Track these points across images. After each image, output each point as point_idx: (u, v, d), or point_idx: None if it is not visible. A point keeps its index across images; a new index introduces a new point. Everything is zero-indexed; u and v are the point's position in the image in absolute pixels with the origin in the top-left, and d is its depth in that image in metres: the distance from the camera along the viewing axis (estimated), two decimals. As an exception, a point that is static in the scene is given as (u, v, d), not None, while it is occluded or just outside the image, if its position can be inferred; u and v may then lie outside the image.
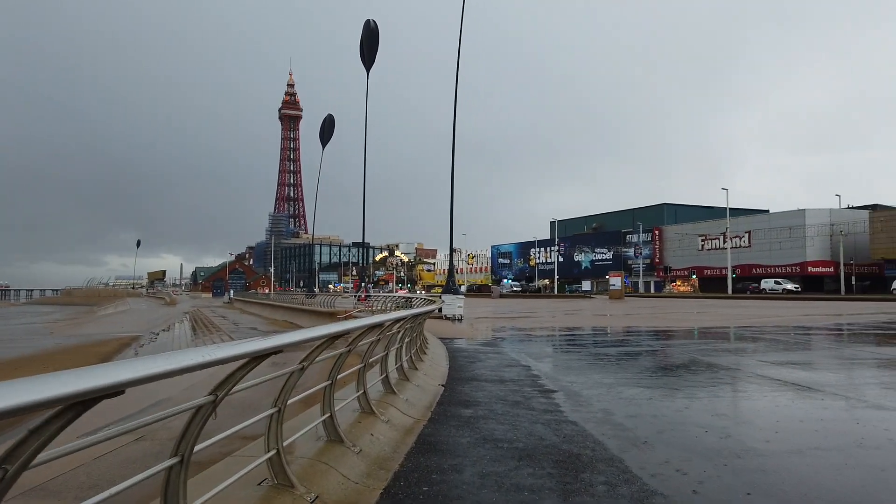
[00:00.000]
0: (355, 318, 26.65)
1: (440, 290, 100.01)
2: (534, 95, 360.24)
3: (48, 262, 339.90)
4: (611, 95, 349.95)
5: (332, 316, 34.06)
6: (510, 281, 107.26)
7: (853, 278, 62.81)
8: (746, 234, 75.50)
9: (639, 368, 10.49)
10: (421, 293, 77.24)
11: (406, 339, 8.16)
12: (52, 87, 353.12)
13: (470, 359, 11.44)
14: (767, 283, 68.29)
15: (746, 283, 70.04)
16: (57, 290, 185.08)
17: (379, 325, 5.45)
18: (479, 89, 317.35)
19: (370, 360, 5.52)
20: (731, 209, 73.15)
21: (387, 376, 6.33)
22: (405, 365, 7.65)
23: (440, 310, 21.14)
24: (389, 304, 24.71)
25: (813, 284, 69.71)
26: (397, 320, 6.37)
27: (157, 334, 42.72)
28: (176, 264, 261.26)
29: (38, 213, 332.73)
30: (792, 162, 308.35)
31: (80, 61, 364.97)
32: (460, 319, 26.29)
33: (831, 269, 68.07)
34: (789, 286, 65.69)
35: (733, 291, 67.37)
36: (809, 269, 69.53)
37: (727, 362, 10.82)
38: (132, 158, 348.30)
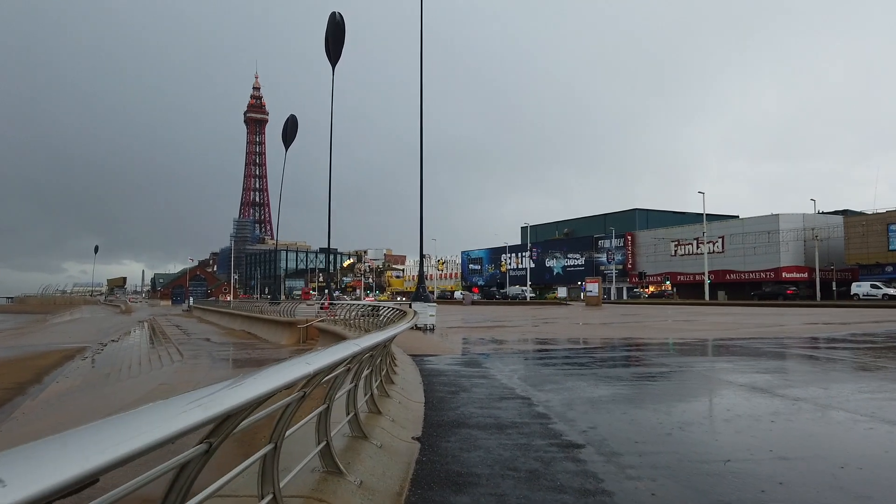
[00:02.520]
0: (316, 326, 24.02)
1: (403, 298, 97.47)
2: (499, 103, 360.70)
3: (4, 269, 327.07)
4: (573, 104, 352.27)
5: (291, 325, 31.38)
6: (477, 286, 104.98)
7: (834, 284, 62.00)
8: (720, 240, 74.54)
9: (674, 396, 8.17)
10: (383, 301, 74.94)
11: (365, 371, 5.67)
12: (9, 86, 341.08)
13: (451, 387, 8.96)
14: (861, 288, 56.79)
15: (767, 287, 68.36)
16: (11, 298, 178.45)
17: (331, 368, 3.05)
18: (445, 95, 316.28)
19: (284, 431, 3.02)
20: (701, 215, 72.09)
21: (328, 444, 3.82)
22: (361, 414, 5.14)
23: (416, 325, 18.66)
24: (354, 313, 22.19)
25: (787, 290, 68.95)
26: (348, 359, 3.88)
27: (105, 345, 39.64)
28: (138, 271, 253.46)
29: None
30: (750, 170, 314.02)
31: (41, 62, 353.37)
32: (432, 329, 23.83)
33: (805, 275, 67.37)
34: (891, 290, 54.38)
35: (730, 297, 65.53)
36: (784, 274, 68.72)
37: (812, 394, 8.51)
38: (94, 162, 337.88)
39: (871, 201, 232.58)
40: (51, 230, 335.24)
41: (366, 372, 5.71)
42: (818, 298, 59.59)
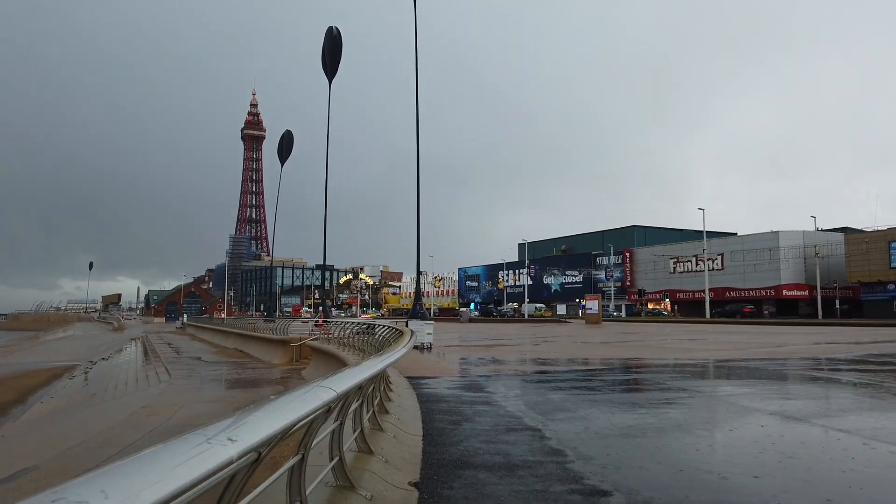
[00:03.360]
0: (309, 345, 23.10)
1: (391, 315, 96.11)
2: (494, 120, 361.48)
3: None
4: (570, 121, 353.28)
5: (284, 343, 30.45)
6: (474, 306, 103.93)
7: (837, 302, 61.24)
8: (719, 257, 73.89)
9: (702, 426, 7.34)
10: (376, 319, 73.81)
11: (354, 405, 4.85)
12: (5, 104, 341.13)
13: (452, 415, 8.11)
14: None
15: (728, 306, 67.81)
16: (4, 315, 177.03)
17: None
18: (441, 112, 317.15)
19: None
20: (700, 232, 71.50)
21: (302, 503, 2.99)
22: (348, 456, 4.30)
23: (420, 346, 17.54)
24: (349, 330, 21.34)
25: (788, 308, 68.22)
26: (344, 396, 3.07)
27: (95, 363, 38.67)
28: (134, 288, 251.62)
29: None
30: (745, 187, 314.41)
31: (37, 79, 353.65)
32: (429, 348, 22.96)
33: (806, 293, 66.68)
34: None
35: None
36: (784, 292, 68.02)
37: (855, 425, 7.67)
38: (90, 178, 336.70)
39: (866, 219, 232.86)
40: (46, 246, 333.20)
41: (354, 405, 4.88)
42: (820, 316, 58.81)
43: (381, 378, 7.45)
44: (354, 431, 5.09)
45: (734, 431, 7.25)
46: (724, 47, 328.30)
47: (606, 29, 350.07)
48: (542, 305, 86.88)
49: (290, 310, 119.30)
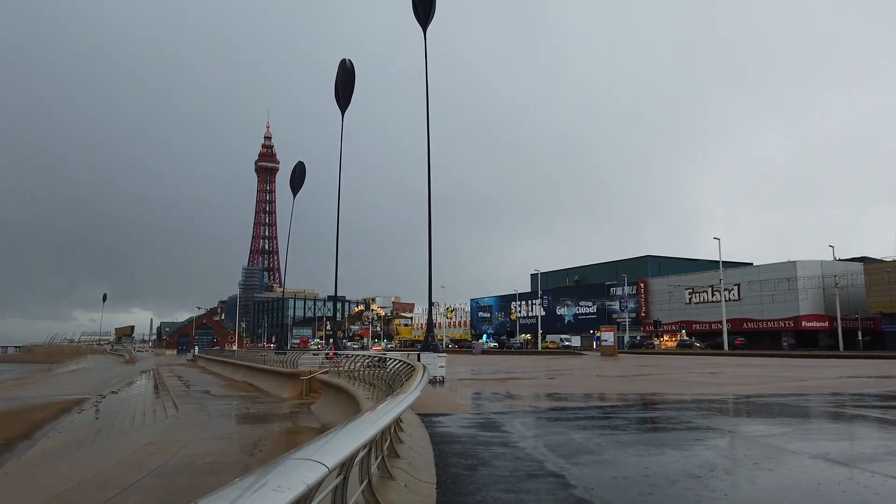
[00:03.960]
0: (319, 379, 22.56)
1: (402, 347, 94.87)
2: (507, 151, 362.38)
3: (16, 318, 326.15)
4: (580, 153, 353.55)
5: (294, 377, 29.92)
6: (487, 337, 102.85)
7: (859, 333, 59.75)
8: (736, 287, 72.76)
9: (740, 470, 6.73)
10: (382, 352, 73.23)
11: (361, 454, 4.34)
12: (24, 138, 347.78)
13: (467, 459, 7.54)
14: None
15: (734, 337, 66.55)
16: (19, 347, 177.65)
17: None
18: (453, 143, 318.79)
19: None
20: (715, 262, 70.56)
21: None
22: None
23: (433, 379, 16.75)
24: (359, 364, 20.81)
25: (807, 340, 66.79)
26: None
27: (104, 397, 38.35)
28: (147, 319, 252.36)
29: (5, 267, 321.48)
30: (758, 218, 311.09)
31: (53, 115, 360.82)
32: (442, 382, 22.35)
33: (826, 324, 65.32)
34: None
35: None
36: (804, 323, 66.65)
37: None
38: (106, 211, 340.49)
39: (883, 248, 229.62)
40: (62, 279, 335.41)
41: (361, 454, 4.38)
42: (841, 348, 57.38)
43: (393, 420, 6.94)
44: (361, 482, 4.58)
45: (778, 478, 6.63)
46: (733, 78, 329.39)
47: (616, 62, 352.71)
48: (568, 337, 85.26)
49: (297, 341, 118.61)
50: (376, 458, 5.41)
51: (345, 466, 3.60)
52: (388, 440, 6.63)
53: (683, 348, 67.92)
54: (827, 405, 14.15)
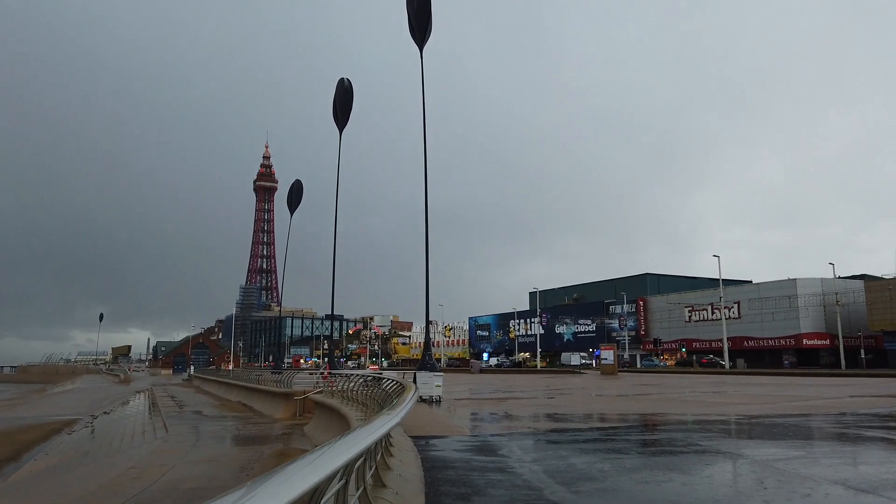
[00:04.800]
0: (312, 399, 21.98)
1: (402, 365, 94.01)
2: (503, 173, 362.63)
3: (11, 338, 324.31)
4: (576, 172, 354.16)
5: (287, 397, 29.33)
6: (488, 356, 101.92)
7: (862, 351, 59.12)
8: (735, 305, 72.18)
9: (750, 494, 6.20)
10: (371, 371, 72.53)
11: (338, 484, 3.82)
12: (20, 156, 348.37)
13: (461, 487, 7.00)
14: None
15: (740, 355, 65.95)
16: (14, 367, 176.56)
17: None
18: (451, 163, 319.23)
19: None
20: (714, 280, 70.06)
21: None
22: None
23: (421, 397, 15.94)
24: (353, 383, 20.25)
25: (808, 358, 66.08)
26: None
27: (96, 417, 37.71)
28: (144, 339, 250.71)
29: (2, 286, 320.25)
30: (755, 237, 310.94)
31: (51, 132, 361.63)
32: (438, 402, 21.78)
33: (827, 342, 64.72)
34: None
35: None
36: (805, 341, 66.00)
37: None
38: (103, 230, 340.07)
39: (881, 266, 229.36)
40: (59, 299, 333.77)
41: (337, 487, 3.86)
42: (843, 367, 56.71)
43: (378, 444, 6.41)
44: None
45: (797, 508, 6.10)
46: (728, 100, 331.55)
47: (613, 81, 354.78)
48: (585, 355, 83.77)
49: (289, 361, 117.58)
50: (358, 489, 4.89)
51: (315, 496, 3.09)
52: (374, 468, 6.10)
53: (684, 367, 67.14)
54: (837, 426, 13.60)
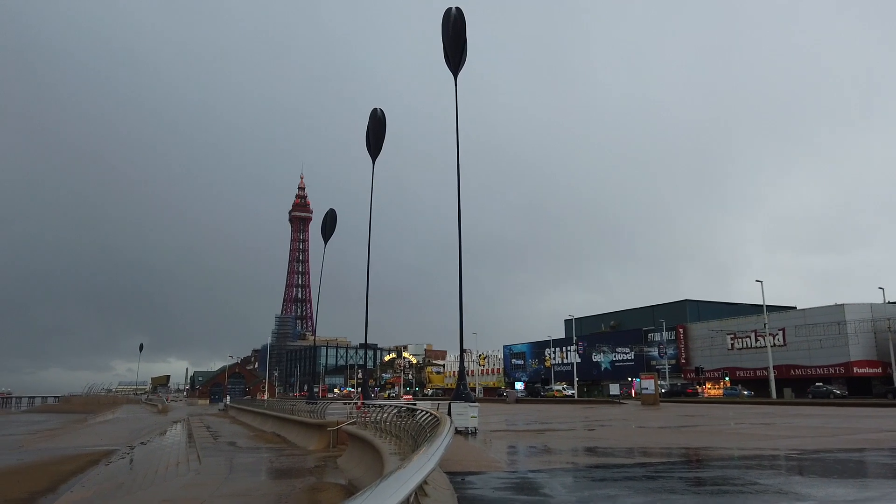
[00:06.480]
0: (345, 430, 21.53)
1: (436, 395, 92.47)
2: (537, 201, 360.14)
3: (56, 369, 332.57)
4: (610, 198, 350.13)
5: (321, 428, 28.92)
6: (522, 384, 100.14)
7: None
8: (780, 332, 69.72)
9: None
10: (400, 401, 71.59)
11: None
12: (68, 193, 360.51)
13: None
14: None
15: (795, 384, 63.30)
16: (58, 397, 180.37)
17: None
18: (483, 191, 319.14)
19: None
20: (756, 306, 67.84)
21: None
22: None
23: (456, 429, 15.33)
24: (387, 414, 19.78)
25: (859, 387, 63.21)
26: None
27: (134, 448, 37.81)
28: (182, 369, 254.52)
29: (48, 319, 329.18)
30: (795, 261, 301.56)
31: (93, 165, 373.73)
32: (474, 433, 21.14)
33: (879, 370, 61.92)
34: None
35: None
36: (855, 369, 63.25)
37: None
38: (142, 263, 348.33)
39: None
40: (101, 330, 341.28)
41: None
42: (898, 396, 53.94)
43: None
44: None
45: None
46: (766, 122, 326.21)
47: (643, 107, 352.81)
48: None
49: (316, 390, 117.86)
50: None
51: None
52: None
53: (730, 397, 64.74)
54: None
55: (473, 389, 64.42)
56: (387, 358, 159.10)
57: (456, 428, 19.73)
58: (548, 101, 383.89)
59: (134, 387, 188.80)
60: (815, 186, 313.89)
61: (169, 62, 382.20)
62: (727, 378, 72.77)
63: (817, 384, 62.14)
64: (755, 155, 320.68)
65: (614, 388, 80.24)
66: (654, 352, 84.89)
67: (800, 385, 66.04)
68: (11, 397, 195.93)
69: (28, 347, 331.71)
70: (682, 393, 72.24)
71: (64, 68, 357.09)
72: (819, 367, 65.96)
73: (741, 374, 72.69)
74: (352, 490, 15.03)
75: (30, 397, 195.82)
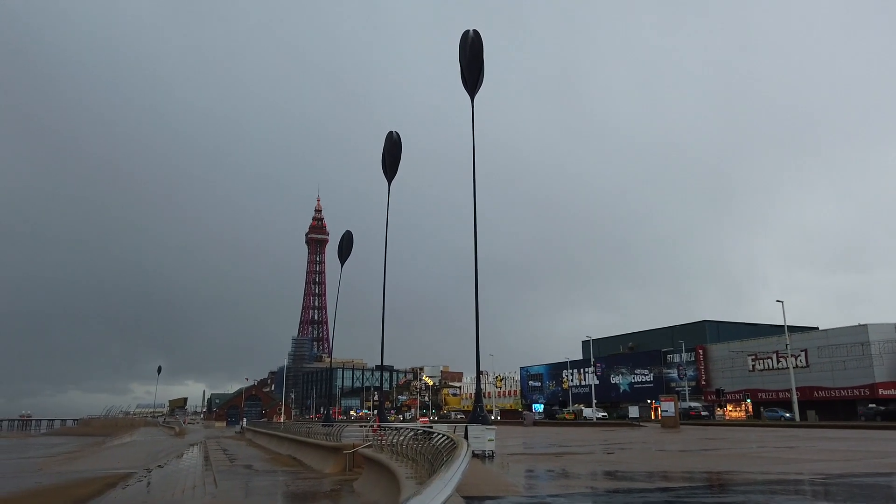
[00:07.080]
0: (361, 453, 21.38)
1: (462, 416, 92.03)
2: (552, 222, 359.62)
3: (75, 391, 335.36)
4: (625, 218, 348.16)
5: (337, 451, 28.75)
6: (542, 407, 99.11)
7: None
8: (802, 353, 68.49)
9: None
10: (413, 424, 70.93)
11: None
12: (89, 222, 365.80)
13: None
14: None
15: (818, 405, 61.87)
16: (77, 420, 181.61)
17: None
18: (498, 212, 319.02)
19: None
20: (777, 326, 66.73)
21: None
22: None
23: (473, 453, 15.12)
24: (403, 437, 19.62)
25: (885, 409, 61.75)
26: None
27: (150, 471, 37.79)
28: (200, 391, 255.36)
29: (68, 341, 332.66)
30: (816, 281, 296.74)
31: (109, 189, 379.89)
32: (491, 457, 20.87)
33: (905, 392, 60.49)
34: None
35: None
36: (881, 391, 61.84)
37: None
38: (160, 288, 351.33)
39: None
40: (120, 353, 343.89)
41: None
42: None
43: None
44: None
45: None
46: (782, 140, 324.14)
47: (658, 126, 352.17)
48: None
49: (328, 412, 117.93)
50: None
51: None
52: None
53: (773, 420, 63.24)
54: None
55: (490, 412, 63.94)
56: (403, 380, 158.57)
57: (473, 451, 19.52)
58: (560, 121, 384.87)
59: (152, 409, 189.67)
60: (834, 204, 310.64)
61: (191, 79, 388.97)
62: (749, 400, 71.47)
63: (870, 405, 59.92)
64: (771, 172, 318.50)
65: (634, 411, 79.14)
66: (674, 373, 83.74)
67: (824, 407, 64.65)
68: (32, 420, 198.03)
69: (48, 370, 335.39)
70: (699, 416, 70.80)
71: (88, 90, 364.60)
72: (843, 388, 64.62)
73: (763, 396, 71.41)
74: (368, 515, 14.85)
75: (49, 420, 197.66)
